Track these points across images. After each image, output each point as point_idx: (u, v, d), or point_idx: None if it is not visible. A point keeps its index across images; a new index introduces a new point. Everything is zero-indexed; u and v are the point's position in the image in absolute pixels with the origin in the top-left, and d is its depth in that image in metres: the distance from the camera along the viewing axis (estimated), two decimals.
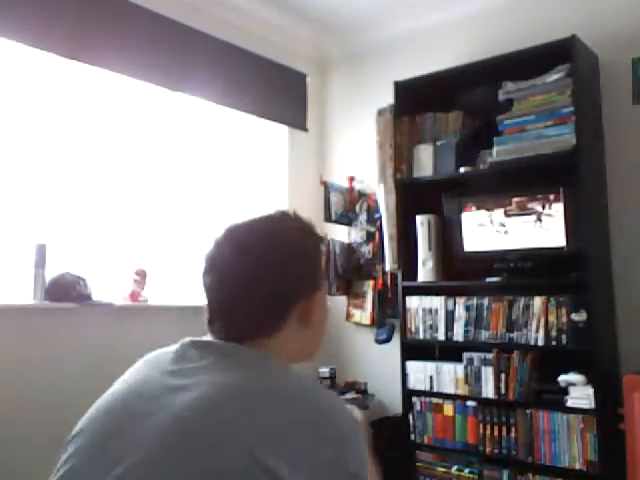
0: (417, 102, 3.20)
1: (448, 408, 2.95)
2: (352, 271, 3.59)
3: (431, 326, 3.04)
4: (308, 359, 1.02)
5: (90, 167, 2.82)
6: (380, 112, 3.35)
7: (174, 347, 0.92)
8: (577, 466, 2.57)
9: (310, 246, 0.98)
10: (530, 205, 2.82)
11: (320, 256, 0.99)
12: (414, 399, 3.05)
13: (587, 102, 2.79)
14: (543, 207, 2.78)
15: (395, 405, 3.27)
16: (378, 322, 3.47)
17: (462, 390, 2.91)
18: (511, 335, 2.79)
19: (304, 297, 0.94)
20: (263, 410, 0.77)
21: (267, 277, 0.90)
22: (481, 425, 2.83)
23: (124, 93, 2.94)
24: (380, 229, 3.42)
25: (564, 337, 2.64)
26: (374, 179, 3.39)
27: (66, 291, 2.52)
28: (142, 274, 2.83)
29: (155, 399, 0.82)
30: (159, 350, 0.95)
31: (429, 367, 3.02)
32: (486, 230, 2.95)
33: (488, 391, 2.82)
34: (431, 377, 3.00)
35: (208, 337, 0.93)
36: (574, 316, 2.61)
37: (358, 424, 0.84)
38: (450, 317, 2.98)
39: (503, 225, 2.90)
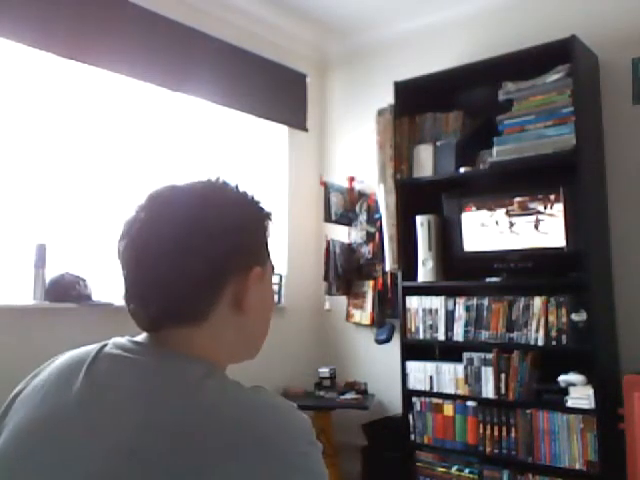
0: (417, 102, 3.19)
1: (448, 408, 2.95)
2: (352, 271, 3.59)
3: (431, 326, 3.04)
4: (250, 356, 0.86)
5: (90, 167, 2.82)
6: (380, 112, 3.35)
7: (91, 354, 0.77)
8: (577, 466, 2.56)
9: (251, 216, 0.83)
10: (530, 205, 2.82)
11: (262, 230, 0.84)
12: (414, 399, 3.05)
13: (587, 102, 2.79)
14: (544, 207, 2.78)
15: (395, 405, 3.27)
16: (378, 322, 3.46)
17: (462, 390, 2.91)
18: (511, 335, 2.79)
19: (236, 276, 0.78)
20: (200, 452, 0.63)
21: (187, 248, 0.75)
22: (481, 425, 2.83)
23: (124, 93, 2.94)
24: (380, 229, 3.42)
25: (564, 337, 2.64)
26: (374, 179, 3.39)
27: (66, 291, 2.52)
28: None
29: (63, 449, 0.69)
30: (77, 353, 0.80)
31: (429, 367, 3.02)
32: (486, 230, 2.95)
33: (488, 391, 2.82)
34: (431, 377, 3.00)
35: (125, 339, 0.79)
36: (574, 316, 2.61)
37: (315, 440, 0.71)
38: (450, 317, 2.98)
39: (503, 225, 2.90)
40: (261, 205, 0.85)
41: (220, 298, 0.77)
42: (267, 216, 0.85)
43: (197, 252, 0.75)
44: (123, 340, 0.78)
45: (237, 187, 0.84)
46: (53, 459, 0.69)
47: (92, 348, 0.79)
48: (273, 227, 0.86)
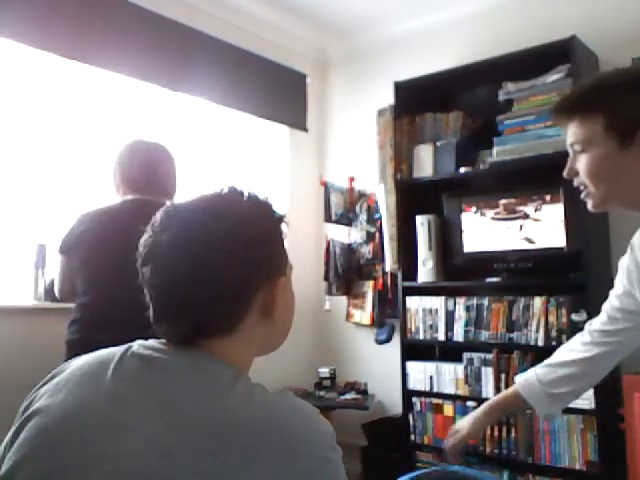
0: (417, 102, 3.19)
1: (448, 408, 2.94)
2: (352, 271, 3.59)
3: (431, 326, 3.04)
4: (274, 349, 0.94)
5: (90, 167, 2.82)
6: (380, 112, 3.35)
7: (117, 354, 0.78)
8: (577, 466, 2.56)
9: (269, 226, 0.86)
10: (530, 205, 2.82)
11: (281, 238, 0.88)
12: (414, 399, 3.05)
13: None
14: (544, 207, 2.78)
15: (395, 405, 3.27)
16: (378, 322, 3.46)
17: (462, 390, 2.91)
18: (511, 335, 2.79)
19: (264, 288, 0.82)
20: (230, 453, 0.67)
21: (218, 265, 0.77)
22: None
23: (124, 93, 2.94)
24: (380, 229, 3.42)
25: (564, 337, 2.63)
26: (374, 179, 3.39)
27: None
28: None
29: (91, 447, 0.69)
30: (99, 354, 0.81)
31: (429, 367, 3.02)
32: (486, 230, 2.95)
33: (488, 391, 2.82)
34: (431, 377, 3.00)
35: (152, 341, 0.80)
36: (574, 316, 2.61)
37: (336, 445, 0.75)
38: (450, 317, 2.98)
39: (503, 225, 2.90)
40: (274, 209, 0.88)
41: (249, 310, 0.81)
42: (281, 220, 0.89)
43: (226, 270, 0.78)
44: (150, 342, 0.80)
45: (250, 195, 0.86)
46: (80, 456, 0.69)
47: (116, 350, 0.80)
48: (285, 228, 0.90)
